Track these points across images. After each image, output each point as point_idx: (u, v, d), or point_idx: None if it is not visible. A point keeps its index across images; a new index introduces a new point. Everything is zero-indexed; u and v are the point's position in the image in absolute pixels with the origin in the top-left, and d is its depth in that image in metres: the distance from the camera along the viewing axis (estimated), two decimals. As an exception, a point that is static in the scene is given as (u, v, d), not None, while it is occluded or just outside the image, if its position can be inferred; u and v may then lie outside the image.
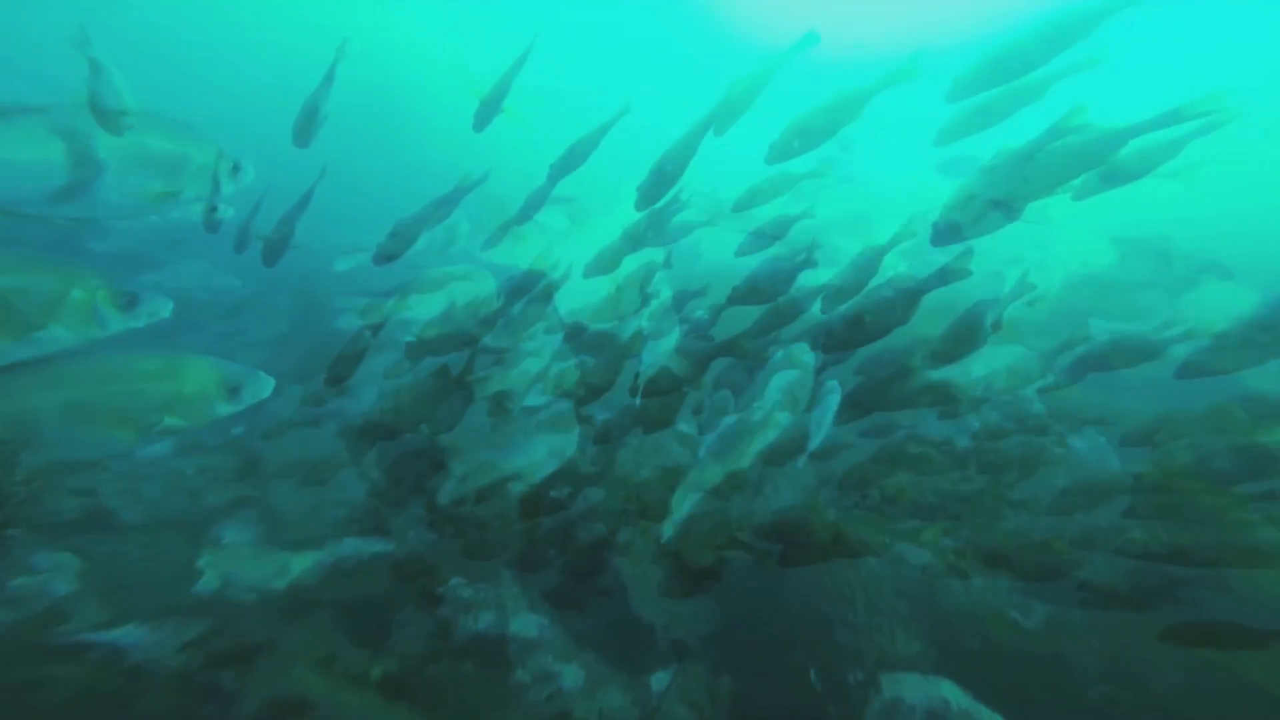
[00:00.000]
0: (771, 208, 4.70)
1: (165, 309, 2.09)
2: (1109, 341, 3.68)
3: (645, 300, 4.47)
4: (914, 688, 3.56)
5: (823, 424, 2.87)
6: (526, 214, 5.11)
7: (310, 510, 5.85)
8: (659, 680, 4.17)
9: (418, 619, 4.30)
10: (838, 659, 4.31)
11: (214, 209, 3.21)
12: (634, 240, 4.40)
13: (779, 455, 4.68)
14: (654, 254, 4.56)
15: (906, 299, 3.09)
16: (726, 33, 13.61)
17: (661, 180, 3.71)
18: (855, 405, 3.36)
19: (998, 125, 3.57)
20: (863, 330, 3.15)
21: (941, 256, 3.17)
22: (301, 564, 4.78)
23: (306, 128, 4.02)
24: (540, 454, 3.65)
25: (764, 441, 2.86)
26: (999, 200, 2.83)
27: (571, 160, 4.33)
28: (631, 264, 4.63)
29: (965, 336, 3.24)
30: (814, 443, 2.87)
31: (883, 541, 3.59)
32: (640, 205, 3.81)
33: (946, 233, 2.96)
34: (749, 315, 3.96)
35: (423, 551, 4.86)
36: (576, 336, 4.42)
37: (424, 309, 4.06)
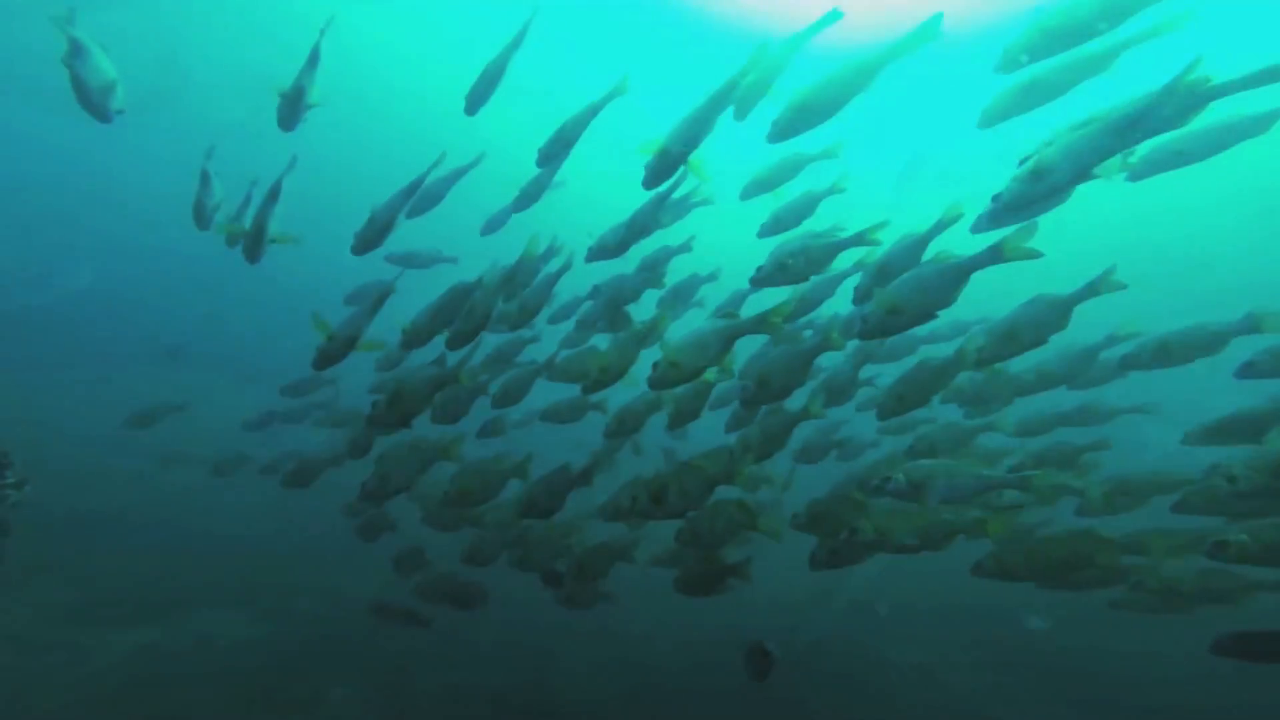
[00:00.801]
0: (782, 193, 4.46)
1: None
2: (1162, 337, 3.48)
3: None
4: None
5: None
6: (525, 202, 4.94)
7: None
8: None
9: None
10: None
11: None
12: (639, 225, 4.14)
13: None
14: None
15: (951, 279, 2.81)
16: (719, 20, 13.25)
17: (668, 160, 3.41)
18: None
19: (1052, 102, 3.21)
20: (901, 317, 2.89)
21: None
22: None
23: (292, 111, 3.83)
24: None
25: None
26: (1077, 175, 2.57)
27: (561, 143, 4.11)
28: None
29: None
30: None
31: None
32: (648, 184, 3.55)
33: (1007, 210, 2.71)
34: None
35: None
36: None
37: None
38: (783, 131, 3.38)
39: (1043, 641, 7.33)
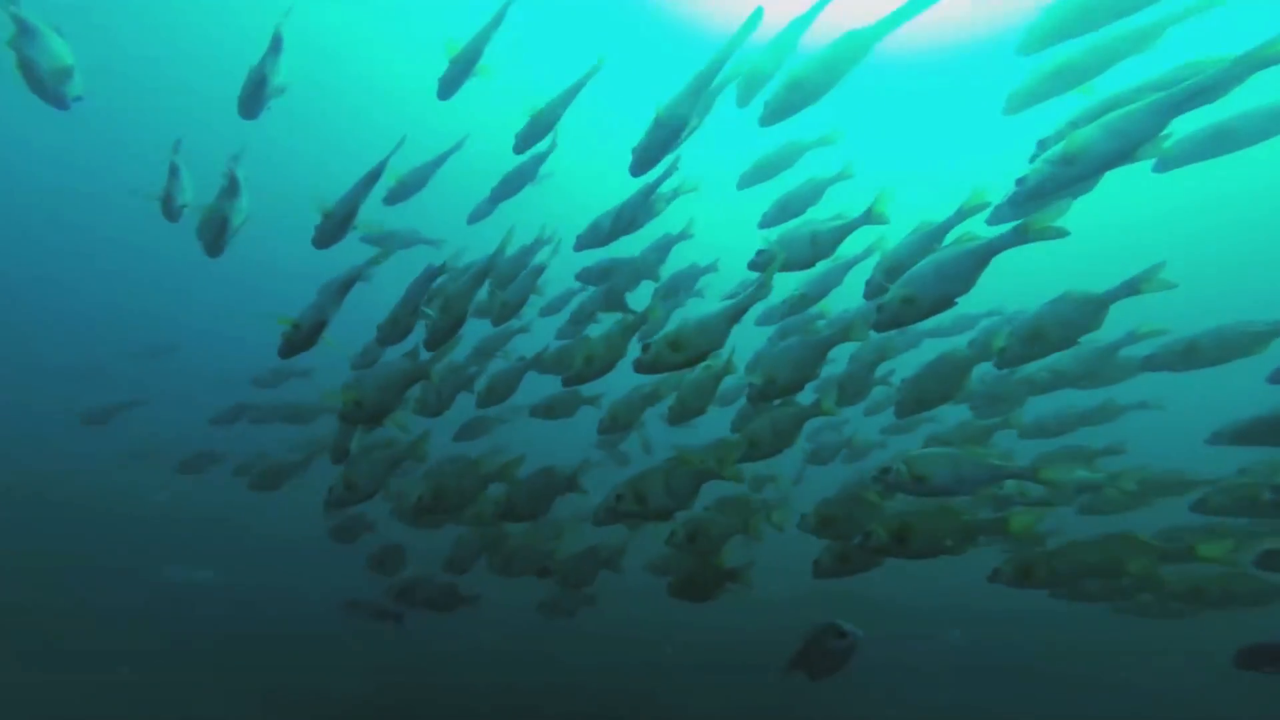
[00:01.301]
0: (779, 183, 4.27)
1: None
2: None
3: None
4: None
5: None
6: (507, 192, 4.72)
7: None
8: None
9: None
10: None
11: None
12: (627, 216, 3.93)
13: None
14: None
15: (971, 263, 2.58)
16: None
17: (657, 142, 3.20)
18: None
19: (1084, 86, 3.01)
20: (917, 305, 2.68)
21: None
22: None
23: (253, 99, 3.65)
24: None
25: None
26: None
27: (537, 129, 3.93)
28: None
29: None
30: None
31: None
32: (636, 170, 3.33)
33: (1032, 197, 2.52)
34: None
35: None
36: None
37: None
38: (776, 112, 3.17)
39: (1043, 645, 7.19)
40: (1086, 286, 2.87)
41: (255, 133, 3.88)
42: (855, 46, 2.91)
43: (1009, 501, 3.73)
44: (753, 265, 3.42)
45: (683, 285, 4.59)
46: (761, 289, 3.05)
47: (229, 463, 7.41)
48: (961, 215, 3.02)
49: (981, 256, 2.57)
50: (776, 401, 3.48)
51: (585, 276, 4.64)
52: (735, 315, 3.03)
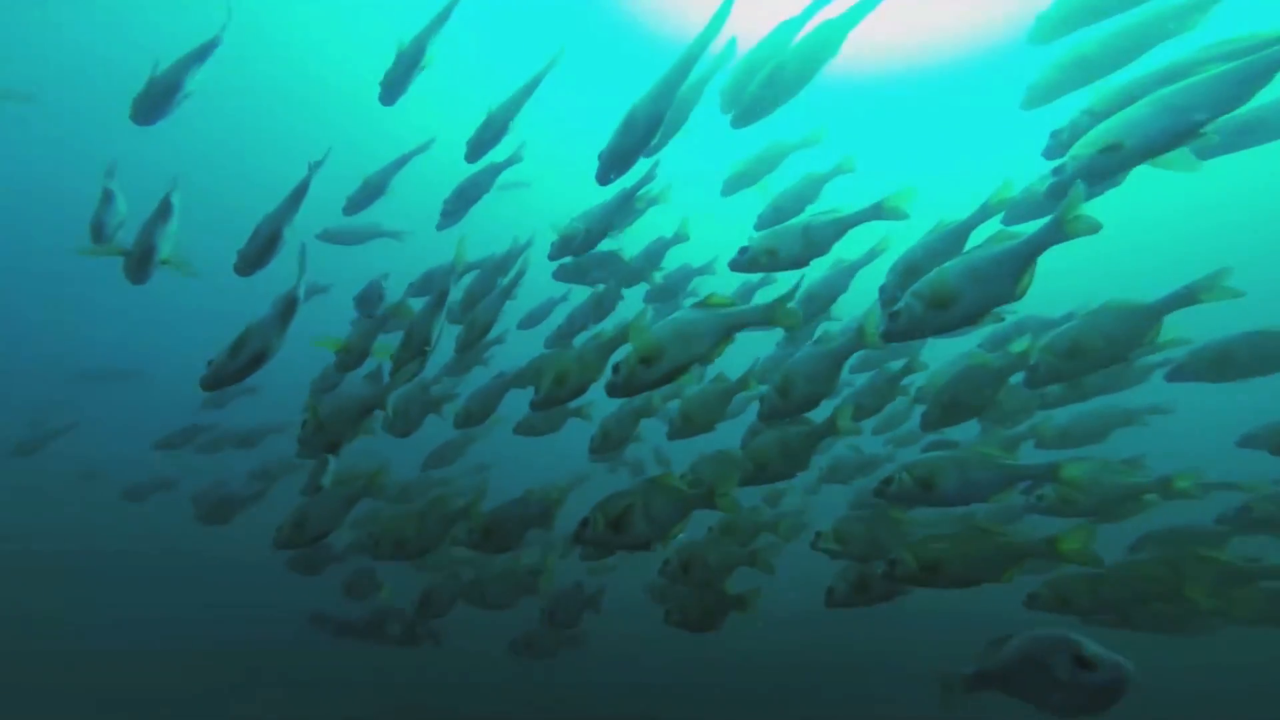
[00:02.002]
0: (766, 185, 4.03)
1: None
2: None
3: None
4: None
5: None
6: (469, 197, 4.37)
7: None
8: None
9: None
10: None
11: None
12: (600, 225, 3.66)
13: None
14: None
15: (1014, 264, 2.23)
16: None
17: (627, 145, 2.89)
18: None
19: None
20: (947, 312, 2.31)
21: None
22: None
23: (156, 103, 3.38)
24: None
25: None
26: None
27: (491, 132, 3.69)
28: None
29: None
30: None
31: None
32: (602, 177, 2.99)
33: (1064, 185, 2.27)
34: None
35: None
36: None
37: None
38: (748, 112, 2.92)
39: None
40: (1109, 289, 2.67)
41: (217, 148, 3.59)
42: (830, 37, 2.68)
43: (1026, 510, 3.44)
44: (734, 265, 3.07)
45: (675, 289, 4.31)
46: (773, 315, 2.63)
47: (183, 488, 7.14)
48: (986, 213, 2.76)
49: (1025, 255, 2.21)
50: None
51: (563, 275, 4.33)
52: (732, 324, 2.58)
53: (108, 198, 3.48)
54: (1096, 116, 2.43)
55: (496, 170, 4.22)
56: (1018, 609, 3.09)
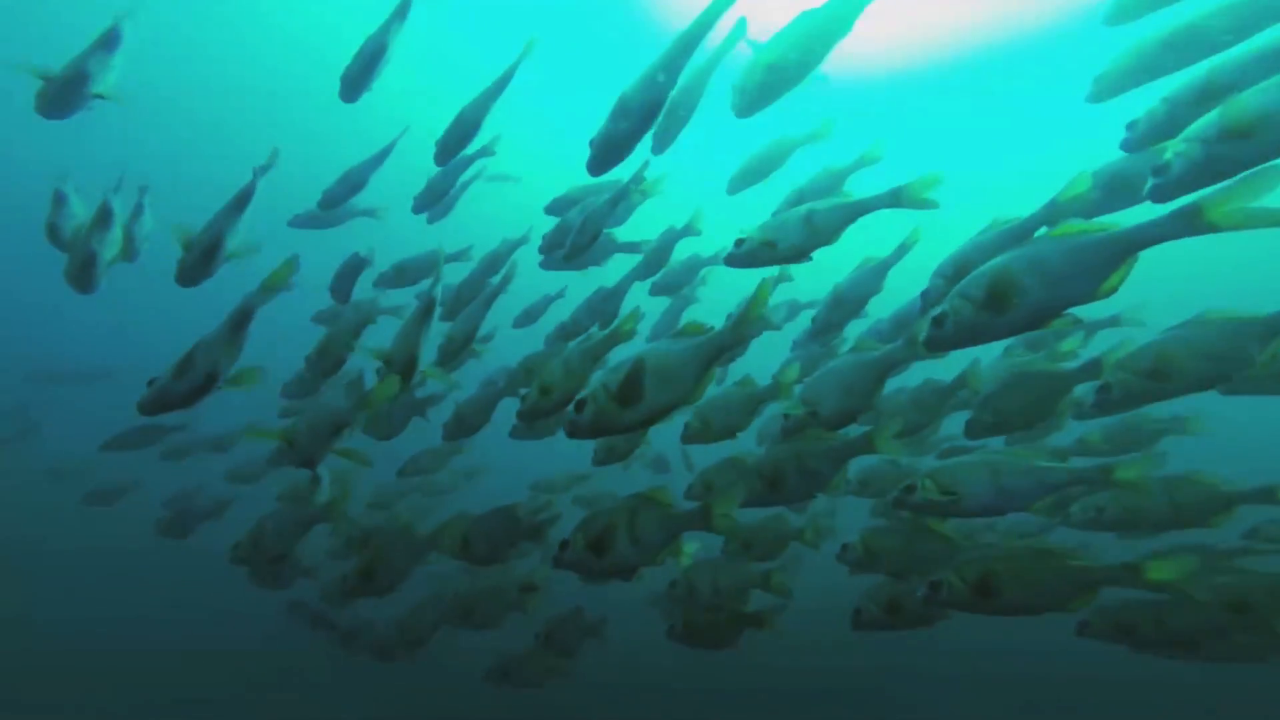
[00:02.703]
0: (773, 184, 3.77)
1: None
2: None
3: None
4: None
5: None
6: (438, 192, 4.19)
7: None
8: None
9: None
10: None
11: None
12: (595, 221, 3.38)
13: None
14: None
15: (1100, 258, 1.84)
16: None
17: (622, 132, 2.60)
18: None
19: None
20: (1009, 315, 1.94)
21: None
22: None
23: (62, 98, 3.11)
24: None
25: None
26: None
27: (463, 131, 3.44)
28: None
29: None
30: None
31: None
32: (594, 168, 2.70)
33: (1178, 187, 1.98)
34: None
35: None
36: None
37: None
38: (753, 100, 2.61)
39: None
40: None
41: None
42: (842, 13, 2.39)
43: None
44: (730, 259, 2.75)
45: (682, 281, 4.04)
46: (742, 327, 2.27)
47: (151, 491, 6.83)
48: (1055, 211, 2.41)
49: (1119, 249, 1.81)
50: None
51: (555, 208, 4.08)
52: (713, 353, 2.22)
53: (59, 200, 3.36)
54: (1181, 106, 2.16)
55: (467, 162, 4.06)
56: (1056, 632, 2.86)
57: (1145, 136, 2.28)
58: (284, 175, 3.26)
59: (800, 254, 2.69)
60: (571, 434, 2.23)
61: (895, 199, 2.63)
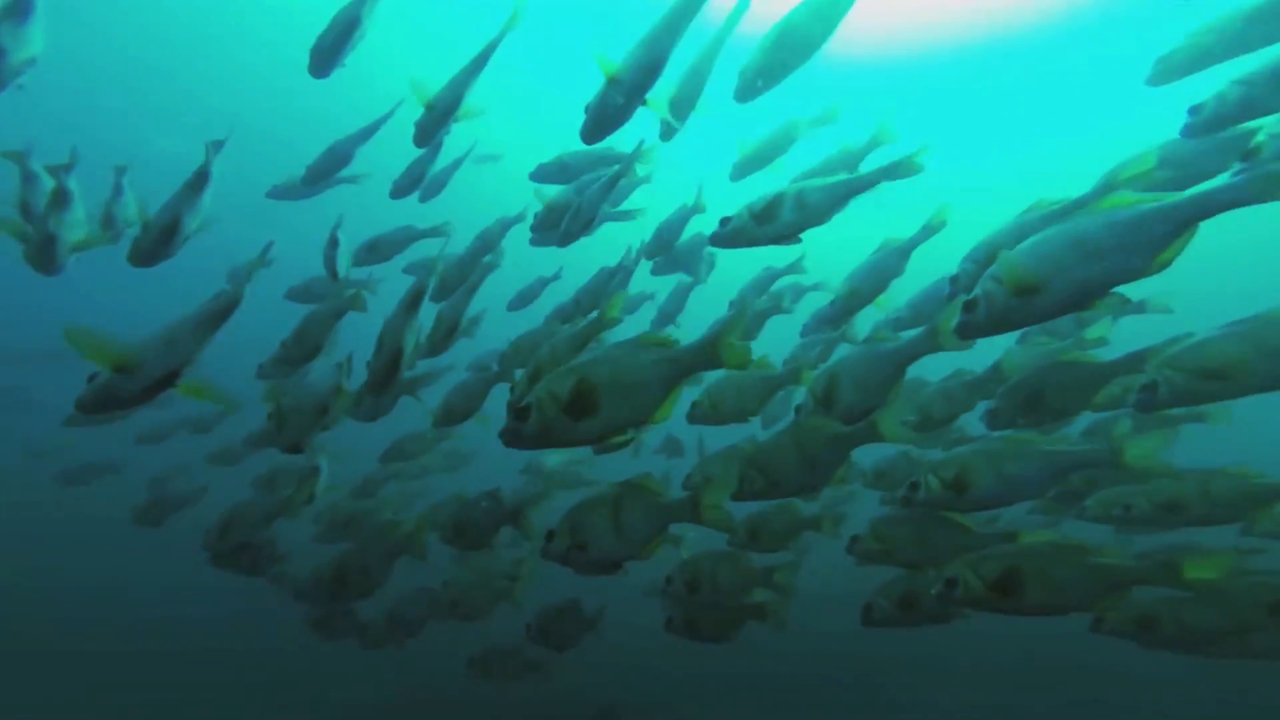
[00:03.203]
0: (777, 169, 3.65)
1: None
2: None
3: None
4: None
5: None
6: (415, 176, 4.02)
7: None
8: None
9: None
10: None
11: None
12: (591, 207, 3.26)
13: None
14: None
15: (1146, 237, 1.71)
16: None
17: (617, 101, 2.43)
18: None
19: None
20: (1040, 300, 1.83)
21: None
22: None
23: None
24: None
25: None
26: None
27: (443, 109, 3.24)
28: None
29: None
30: None
31: None
32: (588, 135, 2.54)
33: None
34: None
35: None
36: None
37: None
38: (753, 83, 2.50)
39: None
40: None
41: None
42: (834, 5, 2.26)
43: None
44: (715, 239, 2.63)
45: (686, 260, 3.90)
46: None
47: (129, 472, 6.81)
48: (1106, 189, 2.26)
49: (1169, 224, 1.67)
50: None
51: (541, 175, 3.90)
52: (678, 373, 1.99)
53: (29, 178, 3.23)
54: (1255, 88, 2.02)
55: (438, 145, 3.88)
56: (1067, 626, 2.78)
57: (1212, 123, 2.16)
58: (268, 150, 3.10)
59: (791, 234, 2.56)
60: (511, 444, 1.96)
61: (892, 172, 2.53)
